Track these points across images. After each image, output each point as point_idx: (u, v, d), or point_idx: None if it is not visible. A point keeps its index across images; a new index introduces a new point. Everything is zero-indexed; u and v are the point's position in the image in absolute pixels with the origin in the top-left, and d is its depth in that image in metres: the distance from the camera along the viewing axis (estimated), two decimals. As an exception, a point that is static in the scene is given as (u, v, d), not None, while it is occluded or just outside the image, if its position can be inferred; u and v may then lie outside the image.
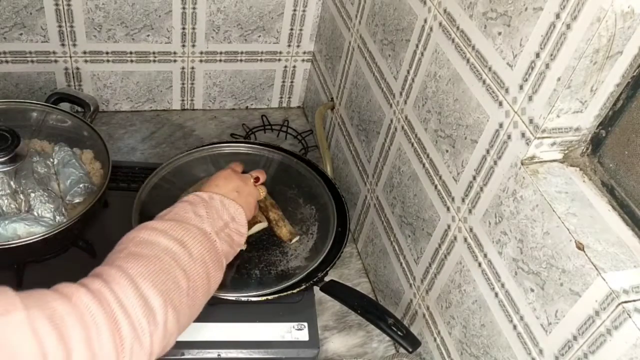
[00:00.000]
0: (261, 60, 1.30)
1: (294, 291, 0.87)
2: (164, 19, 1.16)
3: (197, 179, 1.02)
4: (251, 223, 0.95)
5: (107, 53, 1.19)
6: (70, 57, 1.17)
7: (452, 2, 0.76)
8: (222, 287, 0.87)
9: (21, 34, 1.12)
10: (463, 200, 0.76)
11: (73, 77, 1.21)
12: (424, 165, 0.86)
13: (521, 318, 0.66)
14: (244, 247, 0.93)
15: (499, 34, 0.67)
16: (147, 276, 0.60)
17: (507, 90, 0.66)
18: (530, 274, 0.64)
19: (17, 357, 0.48)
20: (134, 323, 0.56)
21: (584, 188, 0.63)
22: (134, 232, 0.67)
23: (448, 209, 0.80)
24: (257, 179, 0.87)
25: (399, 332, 0.81)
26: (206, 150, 1.05)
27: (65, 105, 1.02)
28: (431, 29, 0.81)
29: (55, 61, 1.17)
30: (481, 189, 0.72)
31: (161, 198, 0.98)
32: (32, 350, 0.48)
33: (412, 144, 0.89)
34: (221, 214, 0.74)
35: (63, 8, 1.10)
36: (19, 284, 0.90)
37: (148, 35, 1.18)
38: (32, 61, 1.16)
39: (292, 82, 1.36)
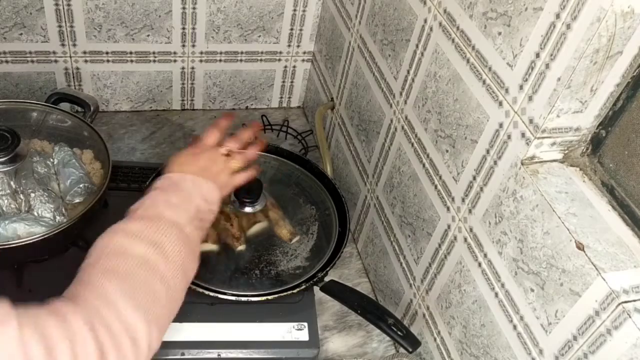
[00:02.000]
0: (261, 60, 1.30)
1: (294, 291, 0.87)
2: (164, 19, 1.16)
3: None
4: (251, 223, 0.96)
5: (107, 53, 1.19)
6: (70, 57, 1.17)
7: (452, 2, 0.76)
8: (223, 286, 0.88)
9: (21, 34, 1.12)
10: (463, 200, 0.76)
11: (73, 77, 1.21)
12: (424, 165, 0.86)
13: (521, 318, 0.66)
14: (243, 248, 0.93)
15: (499, 34, 0.67)
16: (128, 297, 0.59)
17: (507, 90, 0.66)
18: (530, 274, 0.64)
19: None
20: (121, 349, 0.56)
21: (584, 188, 0.63)
22: (106, 238, 0.65)
23: (448, 209, 0.80)
24: (228, 154, 0.81)
25: (399, 332, 0.81)
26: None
27: (65, 105, 1.02)
28: (431, 29, 0.81)
29: (55, 61, 1.17)
30: (481, 189, 0.72)
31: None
32: None
33: (412, 144, 0.89)
34: (193, 197, 0.72)
35: (63, 8, 1.10)
36: (19, 284, 0.90)
37: (148, 35, 1.18)
38: (32, 61, 1.16)
39: (292, 82, 1.36)
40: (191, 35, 1.20)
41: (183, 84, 1.29)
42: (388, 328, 0.81)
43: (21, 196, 0.87)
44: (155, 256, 0.64)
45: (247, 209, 0.96)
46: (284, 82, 1.36)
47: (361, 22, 1.04)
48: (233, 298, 0.86)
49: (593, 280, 0.55)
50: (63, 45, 1.15)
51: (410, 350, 0.80)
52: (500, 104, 0.68)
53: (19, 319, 0.50)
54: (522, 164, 0.65)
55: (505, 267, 0.68)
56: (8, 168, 0.86)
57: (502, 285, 0.69)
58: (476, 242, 0.74)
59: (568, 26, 0.57)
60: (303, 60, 1.33)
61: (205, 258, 0.91)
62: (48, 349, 0.50)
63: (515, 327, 0.67)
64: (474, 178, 0.74)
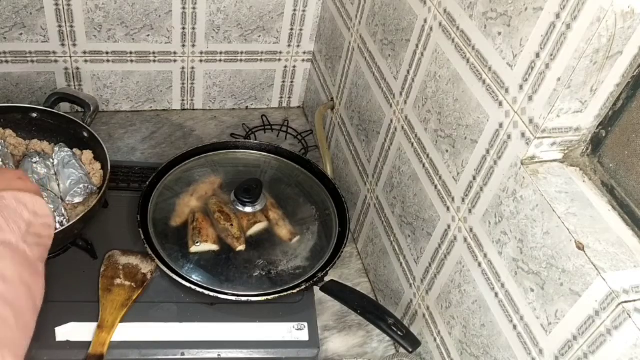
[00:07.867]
0: (261, 60, 1.30)
1: (294, 291, 0.87)
2: (164, 19, 1.16)
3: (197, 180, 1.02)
4: (251, 223, 0.96)
5: (107, 53, 1.19)
6: (70, 57, 1.17)
7: (452, 2, 0.76)
8: (223, 286, 0.88)
9: (21, 34, 1.12)
10: (463, 200, 0.76)
11: (73, 77, 1.21)
12: (424, 165, 0.86)
13: (521, 318, 0.66)
14: (243, 248, 0.93)
15: (499, 34, 0.67)
16: None
17: (507, 90, 0.66)
18: (530, 274, 0.64)
19: None
20: None
21: (584, 188, 0.63)
22: None
23: (448, 209, 0.80)
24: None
25: (399, 332, 0.81)
26: (208, 152, 1.06)
27: (65, 106, 1.02)
28: (431, 29, 0.81)
29: (55, 61, 1.17)
30: (481, 189, 0.72)
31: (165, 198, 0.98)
32: None
33: (412, 144, 0.89)
34: (20, 213, 0.65)
35: (63, 8, 1.10)
36: (19, 284, 0.90)
37: (148, 35, 1.18)
38: (32, 61, 1.16)
39: (292, 82, 1.36)
40: (191, 35, 1.20)
41: (183, 84, 1.29)
42: (388, 328, 0.81)
43: (21, 196, 0.87)
44: None
45: (247, 209, 0.96)
46: (284, 82, 1.36)
47: (361, 22, 1.04)
48: (233, 298, 0.86)
49: (593, 280, 0.55)
50: (63, 45, 1.15)
51: (410, 350, 0.80)
52: (500, 104, 0.68)
53: None
54: (522, 164, 0.65)
55: (505, 267, 0.68)
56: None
57: (502, 285, 0.69)
58: (476, 242, 0.74)
59: (568, 26, 0.57)
60: (303, 60, 1.33)
61: (205, 258, 0.91)
62: None
63: (515, 327, 0.67)
64: (474, 178, 0.74)
